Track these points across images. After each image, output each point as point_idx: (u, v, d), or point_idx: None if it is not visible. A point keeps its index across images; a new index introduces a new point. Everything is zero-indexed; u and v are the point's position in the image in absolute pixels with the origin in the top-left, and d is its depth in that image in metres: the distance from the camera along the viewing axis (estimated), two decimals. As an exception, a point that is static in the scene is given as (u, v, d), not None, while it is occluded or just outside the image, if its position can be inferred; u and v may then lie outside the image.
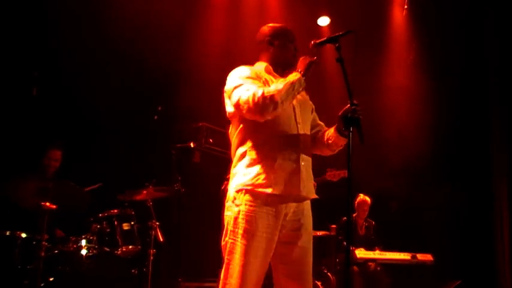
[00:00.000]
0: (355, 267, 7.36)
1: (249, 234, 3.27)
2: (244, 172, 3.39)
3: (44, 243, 5.15)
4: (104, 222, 5.94)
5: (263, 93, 3.25)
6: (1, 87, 6.33)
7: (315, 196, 3.58)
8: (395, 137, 8.83)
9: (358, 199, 8.03)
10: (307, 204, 3.56)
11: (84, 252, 5.61)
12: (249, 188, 3.34)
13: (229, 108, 3.51)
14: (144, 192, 6.12)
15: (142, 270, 6.01)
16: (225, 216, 3.43)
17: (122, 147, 7.24)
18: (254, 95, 3.26)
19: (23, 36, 6.59)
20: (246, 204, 3.32)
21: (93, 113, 7.04)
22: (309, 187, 3.50)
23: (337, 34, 3.50)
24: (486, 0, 8.47)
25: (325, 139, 3.61)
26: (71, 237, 5.73)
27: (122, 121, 7.24)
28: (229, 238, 3.33)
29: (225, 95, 3.53)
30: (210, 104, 7.40)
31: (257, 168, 3.36)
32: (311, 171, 3.58)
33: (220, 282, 3.32)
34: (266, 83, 3.49)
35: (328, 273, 7.33)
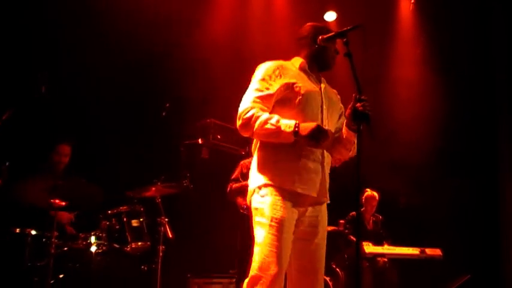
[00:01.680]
0: (364, 262, 7.36)
1: (278, 223, 3.28)
2: (268, 168, 3.42)
3: (53, 240, 5.16)
4: (113, 219, 5.94)
5: (253, 115, 3.31)
6: (11, 86, 6.35)
7: (328, 201, 3.59)
8: (402, 131, 8.81)
9: (365, 194, 8.02)
10: (324, 203, 3.58)
11: (93, 249, 5.62)
12: (273, 183, 3.36)
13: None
14: (153, 188, 6.12)
15: (152, 266, 6.02)
16: (252, 210, 3.45)
17: (131, 144, 7.25)
18: (245, 110, 3.35)
19: (32, 36, 6.62)
20: (272, 195, 3.34)
21: (101, 111, 7.06)
22: (325, 190, 3.51)
23: (345, 29, 3.48)
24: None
25: (341, 138, 3.60)
26: (80, 234, 5.75)
27: (131, 118, 7.26)
28: (258, 230, 3.36)
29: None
30: (218, 100, 7.42)
31: (281, 166, 3.38)
32: (328, 174, 3.58)
33: (252, 273, 3.30)
34: (291, 80, 3.47)
35: (337, 269, 7.32)
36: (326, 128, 3.39)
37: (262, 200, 3.36)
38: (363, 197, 8.03)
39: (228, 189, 6.42)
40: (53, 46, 6.77)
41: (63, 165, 6.10)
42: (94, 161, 6.68)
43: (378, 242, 7.67)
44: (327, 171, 3.54)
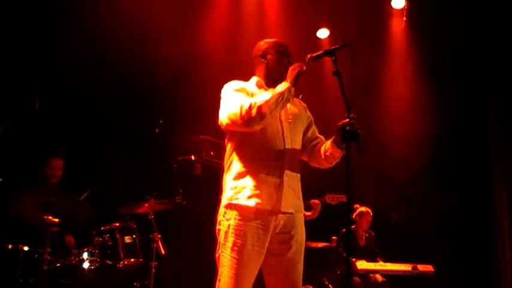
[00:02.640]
0: (356, 279, 7.36)
1: (239, 248, 3.35)
2: (230, 186, 3.49)
3: (46, 256, 5.17)
4: (106, 236, 5.95)
5: (250, 105, 3.31)
6: (4, 100, 6.37)
7: (300, 212, 3.62)
8: (394, 147, 8.85)
9: (359, 210, 8.03)
10: (298, 217, 3.58)
11: (86, 265, 5.61)
12: (234, 202, 3.42)
13: (221, 121, 3.55)
14: (146, 205, 6.14)
15: (144, 283, 6.03)
16: (217, 231, 3.52)
17: (123, 160, 7.26)
18: (241, 107, 3.33)
19: (25, 51, 6.64)
20: (235, 219, 3.40)
21: (94, 127, 7.08)
22: (293, 203, 3.53)
23: (333, 47, 3.52)
24: (485, 11, 8.49)
25: (322, 152, 3.64)
26: (73, 250, 5.76)
27: (123, 134, 7.27)
28: (221, 251, 3.43)
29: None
30: (211, 117, 7.42)
31: (242, 182, 3.44)
32: (298, 187, 3.62)
33: None
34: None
35: (330, 285, 7.33)
36: (286, 139, 3.53)
37: (226, 224, 3.44)
38: (357, 213, 8.05)
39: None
40: (47, 60, 6.78)
41: (55, 179, 6.11)
42: (86, 177, 6.68)
43: (370, 258, 7.67)
44: (292, 184, 3.53)
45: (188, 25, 7.82)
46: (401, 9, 8.85)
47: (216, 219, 3.58)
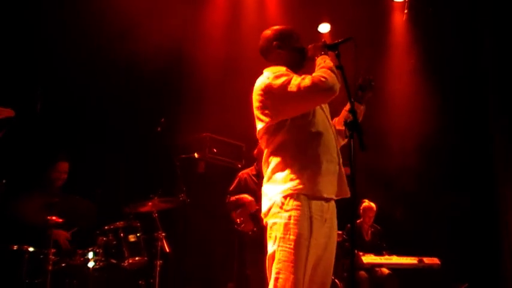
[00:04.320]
0: (363, 273, 7.35)
1: (304, 239, 3.20)
2: (290, 177, 3.31)
3: (51, 256, 5.17)
4: (110, 235, 5.95)
5: (320, 74, 3.30)
6: (6, 103, 6.35)
7: (348, 195, 3.50)
8: (397, 144, 8.83)
9: (363, 205, 8.02)
10: (335, 212, 3.51)
11: (91, 264, 5.60)
12: (297, 192, 3.26)
13: (271, 112, 3.41)
14: (150, 204, 6.13)
15: (149, 281, 6.03)
16: (271, 224, 3.32)
17: (126, 159, 7.25)
18: (314, 79, 3.28)
19: (26, 53, 6.63)
20: (297, 209, 3.23)
21: (96, 126, 7.07)
22: (346, 188, 3.47)
23: (336, 41, 3.51)
24: (486, 6, 8.46)
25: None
26: (77, 250, 5.75)
27: (126, 134, 7.26)
28: (279, 246, 3.23)
29: (261, 101, 3.44)
30: (213, 114, 7.43)
31: (305, 173, 3.30)
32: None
33: None
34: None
35: (336, 280, 7.31)
36: (332, 127, 3.54)
37: (286, 215, 3.25)
38: (361, 208, 8.03)
39: (227, 200, 6.38)
40: (48, 62, 6.77)
41: (61, 182, 6.10)
42: (90, 177, 6.68)
43: (377, 253, 7.66)
44: (343, 169, 3.50)
45: (188, 19, 7.80)
46: (403, 2, 8.83)
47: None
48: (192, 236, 7.27)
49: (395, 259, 7.54)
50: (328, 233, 3.38)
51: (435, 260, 7.50)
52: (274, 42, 3.65)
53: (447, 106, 8.51)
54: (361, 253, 7.46)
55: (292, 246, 3.18)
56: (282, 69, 3.47)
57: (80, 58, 6.97)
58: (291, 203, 3.25)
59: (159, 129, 6.82)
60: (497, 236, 8.29)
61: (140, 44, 7.09)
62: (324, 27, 8.85)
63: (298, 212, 3.22)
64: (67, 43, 6.87)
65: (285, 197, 3.28)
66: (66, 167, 6.13)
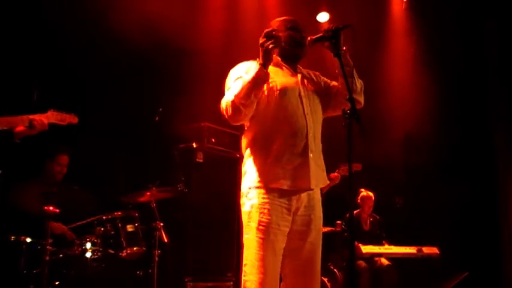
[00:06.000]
0: (362, 263, 7.35)
1: (264, 226, 3.30)
2: (254, 169, 3.43)
3: (48, 247, 5.15)
4: (108, 225, 5.94)
5: (227, 103, 3.37)
6: (2, 93, 6.32)
7: (327, 182, 3.62)
8: (396, 132, 8.81)
9: (361, 195, 8.01)
10: (318, 201, 3.55)
11: (88, 255, 5.61)
12: (258, 184, 3.38)
13: None
14: (148, 193, 6.11)
15: (148, 271, 6.01)
16: (242, 214, 3.47)
17: (124, 149, 7.22)
18: (224, 104, 3.39)
19: (23, 42, 6.58)
20: (259, 198, 3.35)
21: (93, 116, 7.02)
22: (319, 178, 3.52)
23: (318, 35, 3.52)
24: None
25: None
26: (75, 240, 5.74)
27: (123, 123, 7.22)
28: (245, 233, 3.38)
29: None
30: (211, 104, 7.37)
31: (266, 164, 3.39)
32: (322, 161, 3.60)
33: (242, 279, 3.36)
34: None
35: (335, 270, 7.31)
36: (308, 116, 3.49)
37: (249, 203, 3.38)
38: (359, 198, 8.02)
39: None
40: (46, 52, 6.73)
41: (61, 176, 6.09)
42: (87, 167, 6.65)
43: (376, 243, 7.65)
44: (317, 160, 3.52)
45: (187, 10, 7.75)
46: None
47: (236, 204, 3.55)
48: (190, 226, 7.24)
49: (394, 249, 7.54)
50: (305, 221, 3.46)
51: (434, 250, 7.50)
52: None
53: (447, 95, 8.48)
54: (360, 243, 7.44)
55: (254, 234, 3.32)
56: (238, 73, 3.52)
57: (78, 47, 6.93)
58: (253, 192, 3.40)
59: (157, 119, 6.79)
60: (497, 226, 8.29)
61: (137, 33, 7.05)
62: (323, 16, 8.78)
63: (260, 199, 3.35)
64: (66, 33, 6.82)
65: (249, 188, 3.43)
66: (66, 160, 6.11)
